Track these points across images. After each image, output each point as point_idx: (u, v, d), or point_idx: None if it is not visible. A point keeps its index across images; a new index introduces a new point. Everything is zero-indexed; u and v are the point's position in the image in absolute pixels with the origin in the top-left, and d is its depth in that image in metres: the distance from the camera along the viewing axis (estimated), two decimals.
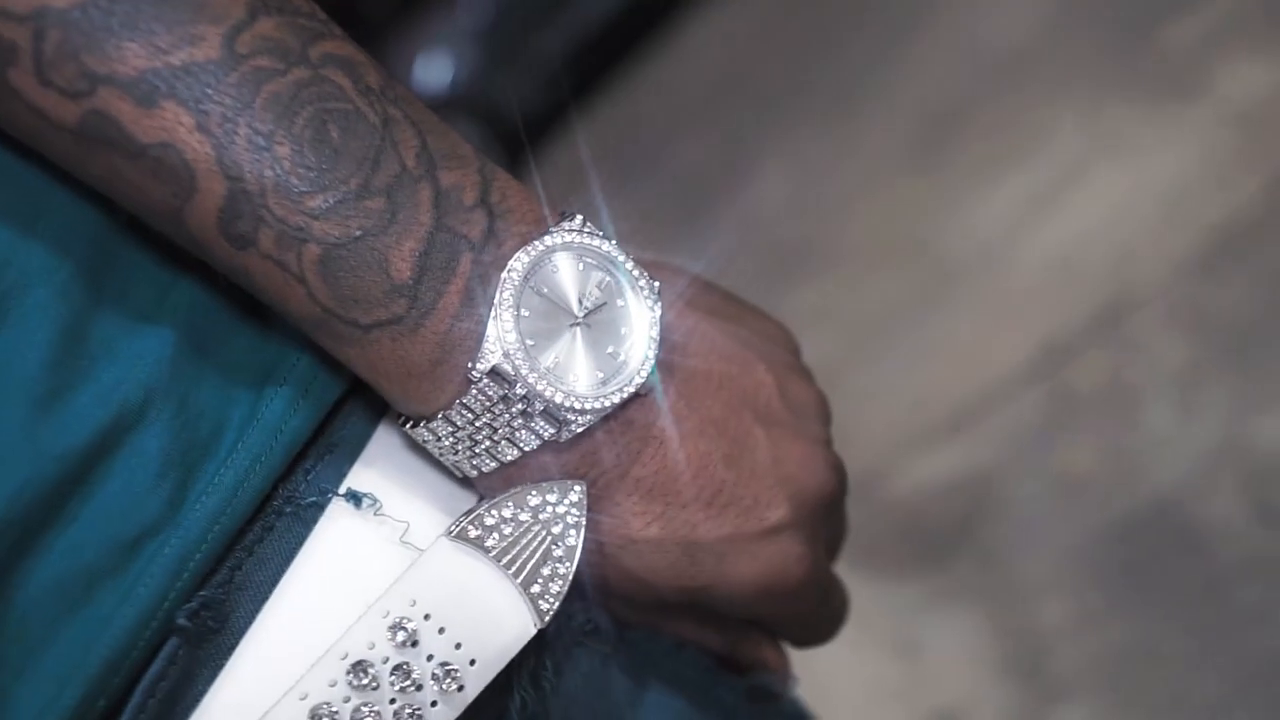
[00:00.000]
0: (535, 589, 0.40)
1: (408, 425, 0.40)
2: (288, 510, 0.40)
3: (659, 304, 0.40)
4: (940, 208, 1.30)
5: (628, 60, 1.52)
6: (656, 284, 0.41)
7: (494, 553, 0.40)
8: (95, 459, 0.38)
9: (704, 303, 0.44)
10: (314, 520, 0.40)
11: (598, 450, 0.40)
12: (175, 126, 0.36)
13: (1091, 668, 1.06)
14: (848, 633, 0.52)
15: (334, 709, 0.38)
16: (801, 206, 1.36)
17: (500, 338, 0.38)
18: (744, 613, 0.45)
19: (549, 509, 0.40)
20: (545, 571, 0.40)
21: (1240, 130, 1.25)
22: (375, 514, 0.41)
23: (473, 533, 0.40)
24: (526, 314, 0.39)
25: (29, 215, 0.38)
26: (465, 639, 0.39)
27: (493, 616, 0.39)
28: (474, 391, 0.38)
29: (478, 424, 0.39)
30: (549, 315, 0.39)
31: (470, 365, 0.38)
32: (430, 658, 0.39)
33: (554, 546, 0.40)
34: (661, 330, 0.40)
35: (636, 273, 0.40)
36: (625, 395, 0.39)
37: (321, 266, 0.37)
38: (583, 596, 0.43)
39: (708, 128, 1.44)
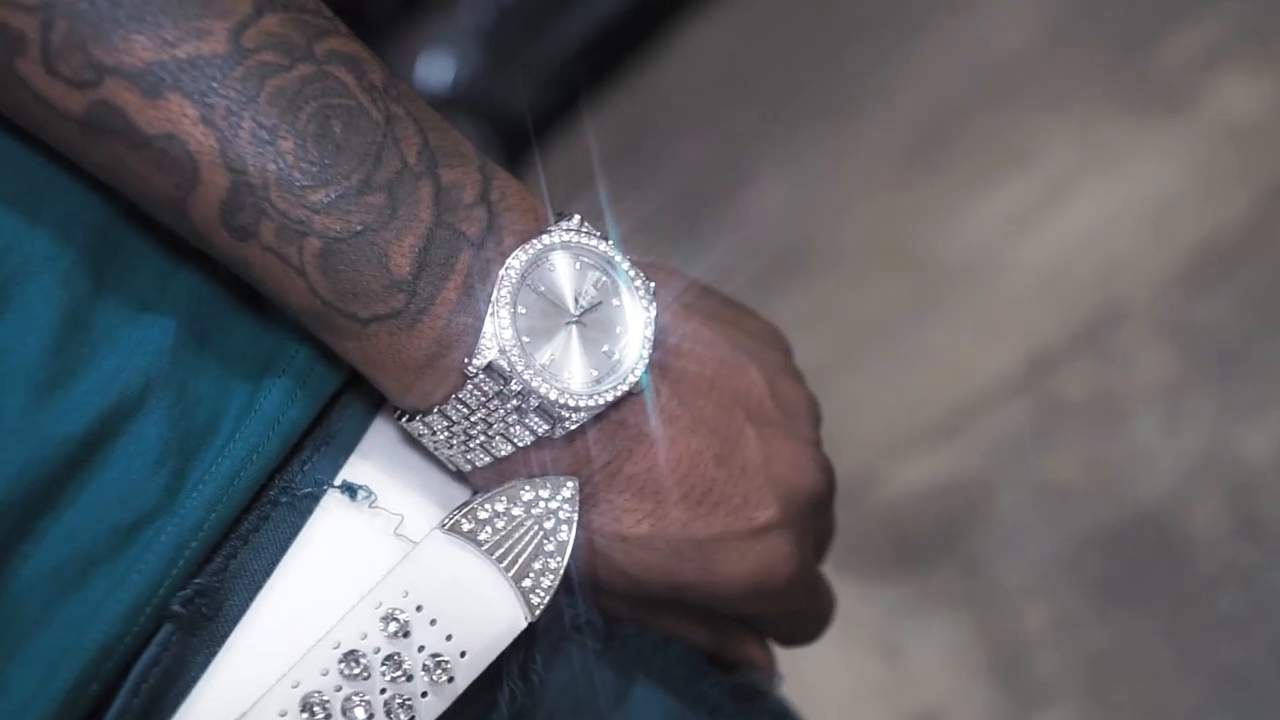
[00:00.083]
0: (526, 583, 0.40)
1: (404, 419, 0.41)
2: (283, 500, 0.40)
3: (654, 304, 0.41)
4: (934, 215, 1.31)
5: (627, 62, 1.52)
6: (652, 285, 0.41)
7: (486, 546, 0.40)
8: (94, 445, 0.38)
9: (699, 305, 0.45)
10: (309, 511, 0.41)
11: (590, 447, 0.41)
12: (180, 118, 0.36)
13: (1072, 674, 1.06)
14: (833, 633, 0.52)
15: (325, 697, 0.38)
16: (798, 209, 1.37)
17: (497, 334, 0.38)
18: (732, 610, 0.45)
19: (541, 504, 0.40)
20: (536, 566, 0.40)
21: (1230, 146, 1.26)
22: (370, 506, 0.41)
23: (466, 526, 0.40)
24: (523, 311, 0.39)
25: (33, 203, 0.38)
26: (456, 631, 0.40)
27: (484, 609, 0.40)
28: (470, 387, 0.39)
29: (473, 419, 0.39)
30: (545, 313, 0.40)
31: (467, 361, 0.38)
32: (421, 649, 0.39)
33: (546, 541, 0.40)
34: (656, 330, 0.41)
35: (633, 273, 0.41)
36: (619, 394, 0.40)
37: (322, 260, 0.37)
38: (573, 591, 0.43)
39: (706, 130, 1.44)
